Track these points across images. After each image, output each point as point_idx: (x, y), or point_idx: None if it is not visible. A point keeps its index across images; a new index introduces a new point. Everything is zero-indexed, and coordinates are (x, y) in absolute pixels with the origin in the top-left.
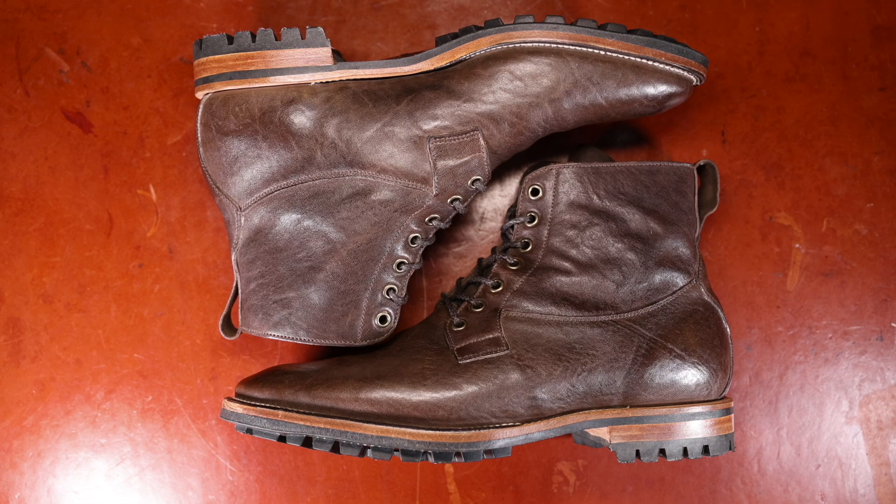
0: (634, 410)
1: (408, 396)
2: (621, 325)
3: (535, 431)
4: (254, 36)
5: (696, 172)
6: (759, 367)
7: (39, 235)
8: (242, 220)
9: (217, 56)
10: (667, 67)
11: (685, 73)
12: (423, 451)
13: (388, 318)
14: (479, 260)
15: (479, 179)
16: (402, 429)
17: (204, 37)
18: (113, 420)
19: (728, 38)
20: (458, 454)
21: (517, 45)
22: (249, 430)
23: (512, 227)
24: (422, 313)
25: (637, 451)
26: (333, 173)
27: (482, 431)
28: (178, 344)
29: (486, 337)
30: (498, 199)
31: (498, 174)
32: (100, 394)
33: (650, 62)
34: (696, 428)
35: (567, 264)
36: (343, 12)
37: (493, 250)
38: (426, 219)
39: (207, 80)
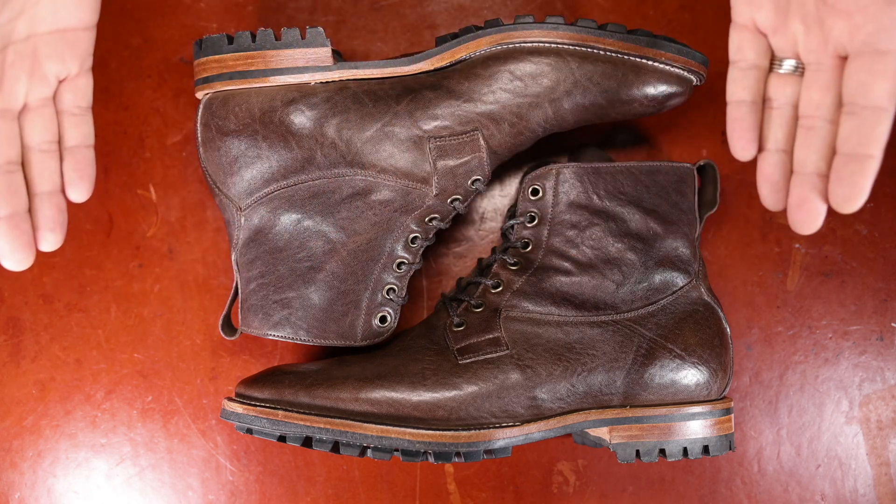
0: (634, 410)
1: (408, 396)
2: (621, 325)
3: (535, 431)
4: (254, 36)
5: (696, 172)
6: (759, 367)
7: None
8: (242, 220)
9: (217, 56)
10: (667, 67)
11: (685, 73)
12: (423, 451)
13: (388, 318)
14: (479, 260)
15: (479, 179)
16: (402, 429)
17: (204, 37)
18: (113, 420)
19: (728, 40)
20: (458, 454)
21: (517, 45)
22: (249, 430)
23: (512, 227)
24: (422, 313)
25: (637, 451)
26: (333, 173)
27: (482, 431)
28: (178, 344)
29: (486, 337)
30: (498, 199)
31: (498, 174)
32: (100, 394)
33: (650, 62)
34: (696, 428)
35: (567, 264)
36: (343, 12)
37: (493, 250)
38: (426, 219)
39: (207, 80)
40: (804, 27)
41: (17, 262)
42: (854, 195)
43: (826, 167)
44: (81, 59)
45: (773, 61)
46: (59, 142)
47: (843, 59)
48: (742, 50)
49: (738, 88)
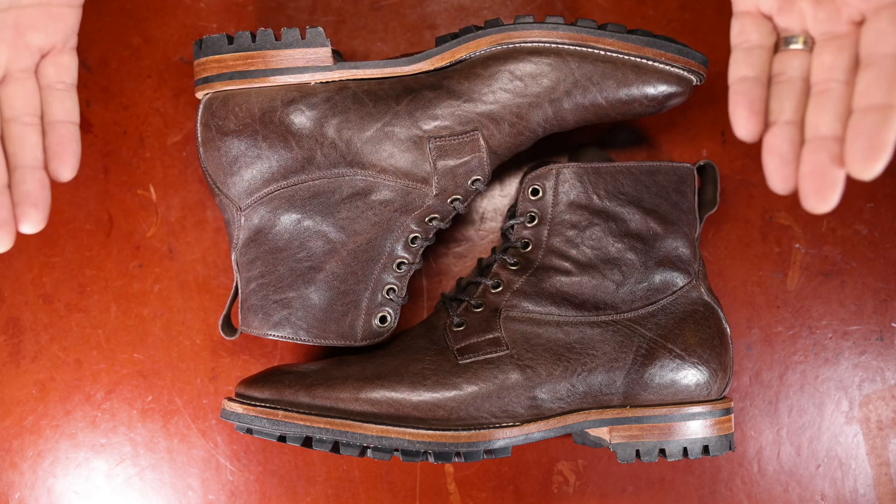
0: (634, 410)
1: (408, 396)
2: (621, 325)
3: (535, 431)
4: (254, 36)
5: (696, 172)
6: (759, 367)
7: (39, 235)
8: (242, 220)
9: (217, 56)
10: (667, 67)
11: (685, 73)
12: (423, 451)
13: (388, 318)
14: (479, 260)
15: (479, 179)
16: (402, 429)
17: (204, 37)
18: (113, 420)
19: (728, 38)
20: (458, 454)
21: (517, 45)
22: (249, 430)
23: (512, 227)
24: (422, 313)
25: (637, 451)
26: (333, 173)
27: (482, 431)
28: (178, 344)
29: (486, 337)
30: (498, 199)
31: (498, 174)
32: (100, 394)
33: (650, 62)
34: (696, 428)
35: (567, 264)
36: (343, 12)
37: (493, 250)
38: (426, 219)
39: (207, 80)
40: (813, 1)
41: None
42: (874, 152)
43: (842, 130)
44: (65, 35)
45: (778, 42)
46: (42, 118)
47: (858, 24)
48: (745, 33)
49: (742, 66)
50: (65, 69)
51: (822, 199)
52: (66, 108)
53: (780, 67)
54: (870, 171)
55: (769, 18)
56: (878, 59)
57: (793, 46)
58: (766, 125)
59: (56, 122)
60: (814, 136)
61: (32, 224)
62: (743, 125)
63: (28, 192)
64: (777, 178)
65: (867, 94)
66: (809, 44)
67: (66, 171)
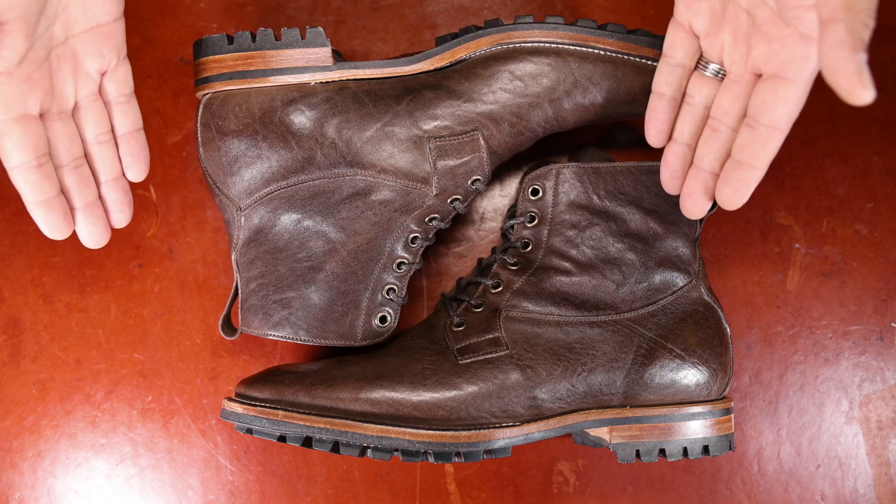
0: (634, 410)
1: (408, 396)
2: (621, 325)
3: (535, 431)
4: (254, 36)
5: None
6: (759, 367)
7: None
8: (242, 220)
9: (217, 56)
10: None
11: None
12: (423, 451)
13: (388, 318)
14: (479, 260)
15: (479, 179)
16: (402, 429)
17: (204, 37)
18: (113, 420)
19: None
20: (458, 454)
21: (517, 45)
22: (249, 430)
23: (512, 227)
24: (422, 313)
25: (637, 451)
26: (333, 173)
27: (482, 431)
28: (178, 344)
29: (486, 337)
30: (498, 199)
31: (498, 174)
32: (100, 394)
33: (650, 62)
34: (696, 428)
35: (567, 264)
36: (343, 12)
37: (493, 250)
38: (426, 219)
39: (207, 80)
40: (732, 39)
41: (96, 243)
42: (736, 197)
43: (719, 168)
44: (118, 50)
45: (700, 61)
46: (112, 130)
47: (758, 76)
48: (674, 47)
49: (663, 82)
50: (122, 81)
51: (691, 214)
52: (131, 119)
53: (692, 90)
54: (731, 208)
55: (697, 38)
56: (757, 125)
57: (709, 72)
58: (670, 136)
59: (125, 135)
60: (696, 165)
61: (122, 223)
62: (653, 136)
63: (115, 200)
64: (668, 186)
65: (742, 150)
66: (722, 74)
67: (141, 175)
